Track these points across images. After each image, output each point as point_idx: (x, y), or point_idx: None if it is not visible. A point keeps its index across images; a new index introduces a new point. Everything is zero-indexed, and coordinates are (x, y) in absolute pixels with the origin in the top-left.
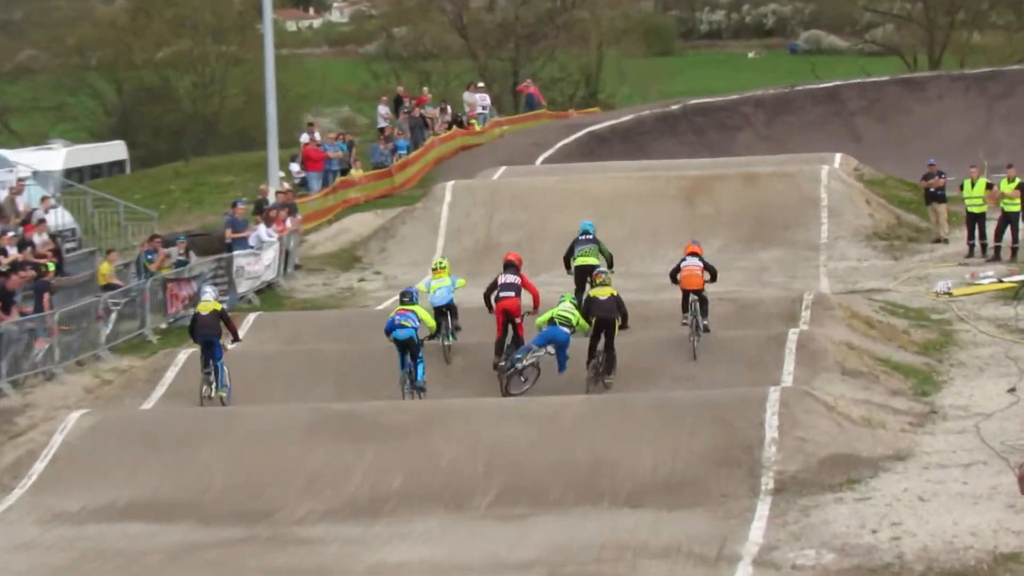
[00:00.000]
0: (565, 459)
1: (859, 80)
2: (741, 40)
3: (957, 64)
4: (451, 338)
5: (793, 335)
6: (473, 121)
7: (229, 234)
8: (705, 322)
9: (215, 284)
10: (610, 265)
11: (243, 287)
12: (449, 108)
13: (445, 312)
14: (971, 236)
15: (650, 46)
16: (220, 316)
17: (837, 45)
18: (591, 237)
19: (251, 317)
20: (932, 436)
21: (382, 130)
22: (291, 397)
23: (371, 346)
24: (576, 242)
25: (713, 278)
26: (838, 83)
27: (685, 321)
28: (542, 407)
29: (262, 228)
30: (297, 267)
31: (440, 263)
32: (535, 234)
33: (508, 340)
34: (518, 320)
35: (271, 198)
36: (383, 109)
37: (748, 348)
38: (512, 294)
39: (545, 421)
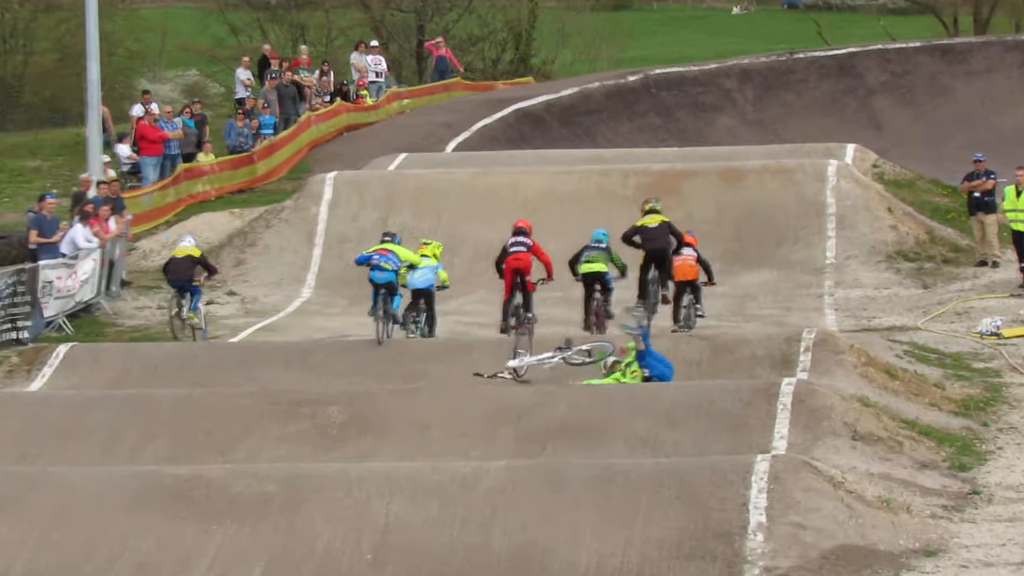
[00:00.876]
0: (479, 545)
1: (880, 47)
2: None
3: (1011, 27)
4: (417, 330)
5: (787, 387)
6: (363, 92)
7: (34, 237)
8: (699, 309)
9: (13, 307)
10: (622, 275)
11: (51, 309)
12: (332, 74)
13: (420, 299)
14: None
15: None
16: (196, 262)
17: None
18: (603, 246)
19: (61, 350)
20: (973, 524)
21: (241, 102)
22: (114, 457)
23: (222, 390)
24: (585, 248)
25: (709, 278)
26: (852, 50)
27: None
28: (449, 475)
29: (78, 230)
30: (125, 284)
31: (427, 240)
32: (445, 245)
33: (517, 301)
34: (528, 277)
35: (92, 191)
36: (243, 74)
37: (727, 403)
38: (523, 249)
39: (452, 494)
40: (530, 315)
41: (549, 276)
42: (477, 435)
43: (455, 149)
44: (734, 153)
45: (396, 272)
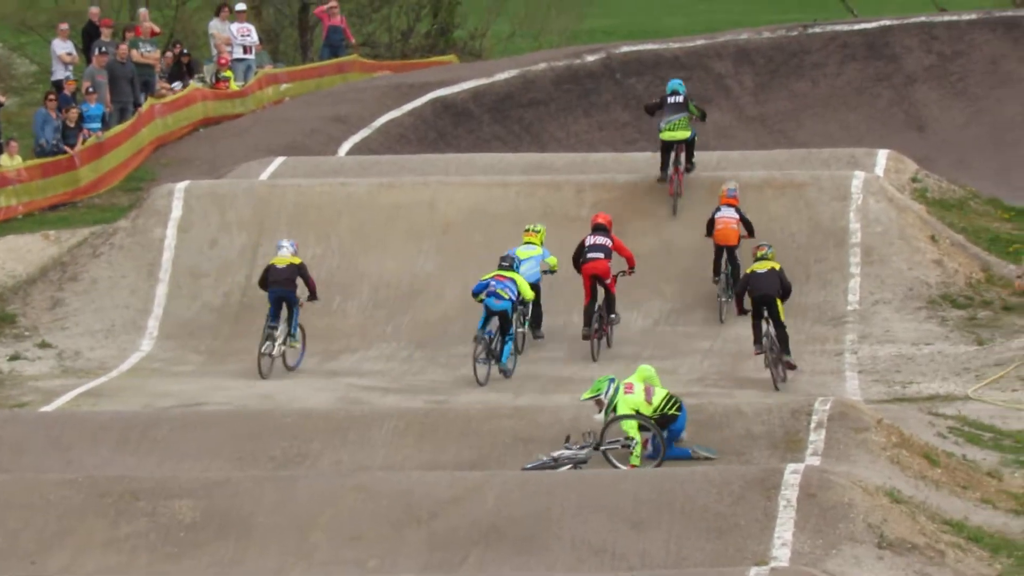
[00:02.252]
0: None
1: (924, 19)
2: None
3: None
4: (525, 324)
5: (793, 475)
6: (227, 74)
7: None
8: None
9: None
10: (702, 119)
11: None
12: (185, 51)
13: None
14: None
15: None
16: (298, 270)
17: None
18: (682, 99)
19: None
20: None
21: (59, 85)
22: None
23: (30, 477)
24: (664, 106)
25: (749, 233)
26: (886, 23)
27: (717, 280)
28: None
29: None
30: None
31: (534, 227)
32: (337, 281)
33: (599, 302)
34: (608, 280)
35: None
36: (62, 47)
37: (711, 497)
38: (601, 255)
39: None
40: (613, 316)
41: (630, 269)
42: (375, 539)
43: (351, 152)
44: (726, 161)
45: (512, 302)
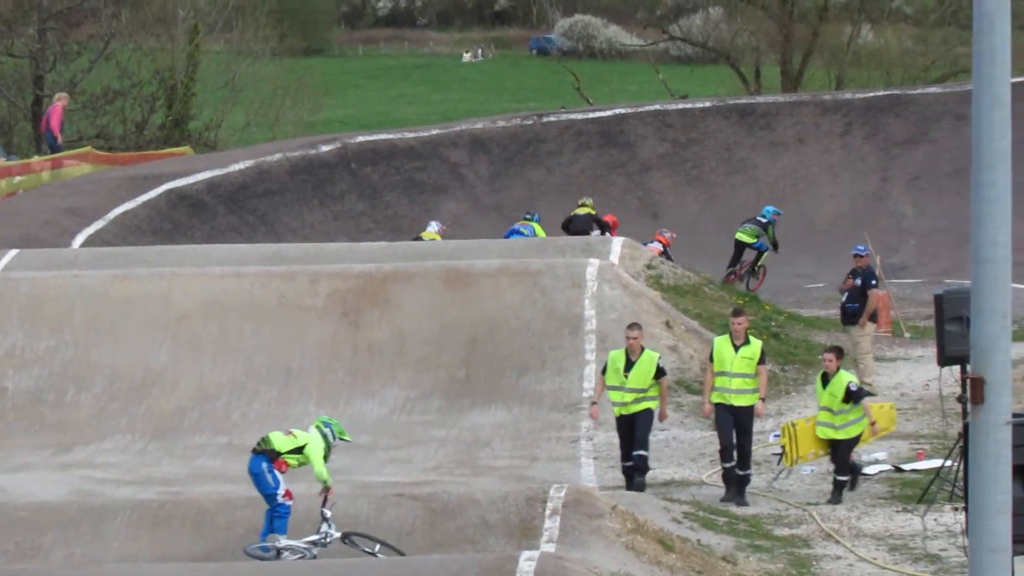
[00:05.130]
0: None
1: (659, 107)
2: (450, 31)
3: (830, 82)
4: None
5: (527, 563)
6: None
7: None
8: None
9: None
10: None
11: None
12: None
13: None
14: None
15: (285, 36)
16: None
17: (621, 43)
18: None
19: None
20: None
21: None
22: None
23: None
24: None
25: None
26: (621, 111)
27: None
28: None
29: None
30: None
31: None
32: (71, 373)
33: None
34: None
35: None
36: None
37: None
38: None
39: None
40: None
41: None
42: None
43: (85, 244)
44: (462, 249)
45: None
